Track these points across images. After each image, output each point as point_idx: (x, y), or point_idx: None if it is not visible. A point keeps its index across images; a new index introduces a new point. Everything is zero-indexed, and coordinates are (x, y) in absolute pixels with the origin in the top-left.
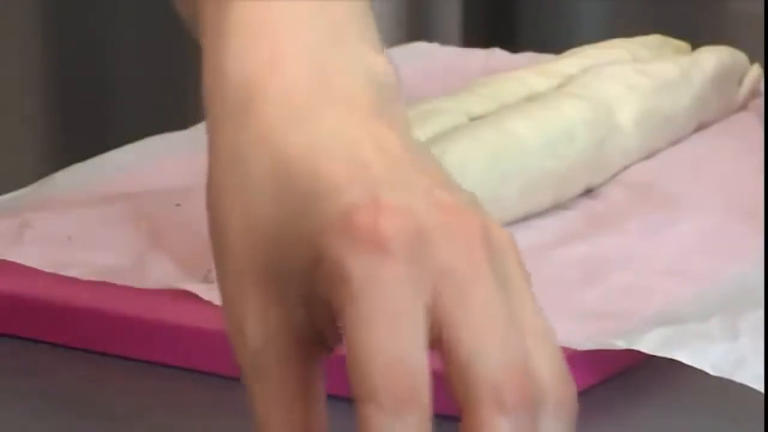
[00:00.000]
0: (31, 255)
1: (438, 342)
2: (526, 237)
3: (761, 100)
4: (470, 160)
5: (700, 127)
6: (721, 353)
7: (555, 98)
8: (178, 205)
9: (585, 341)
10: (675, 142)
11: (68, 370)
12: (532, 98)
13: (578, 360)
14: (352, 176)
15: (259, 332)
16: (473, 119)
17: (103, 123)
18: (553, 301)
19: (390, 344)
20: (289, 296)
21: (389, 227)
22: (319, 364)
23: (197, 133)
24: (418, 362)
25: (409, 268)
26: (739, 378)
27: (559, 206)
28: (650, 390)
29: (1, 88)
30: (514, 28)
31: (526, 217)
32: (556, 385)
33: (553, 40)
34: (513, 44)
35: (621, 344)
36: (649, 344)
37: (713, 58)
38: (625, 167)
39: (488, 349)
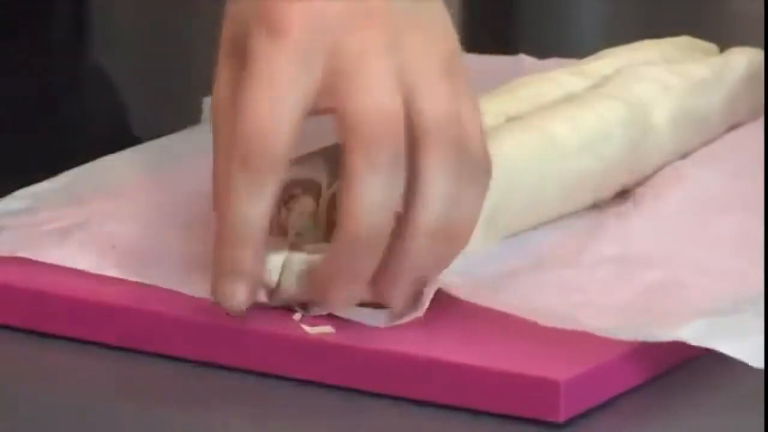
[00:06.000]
0: (74, 257)
1: (329, 109)
2: (556, 237)
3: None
4: (510, 160)
5: (732, 128)
6: (758, 344)
7: (591, 99)
8: None
9: (625, 331)
10: (707, 142)
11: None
12: (568, 99)
13: (622, 361)
14: None
15: (224, 90)
16: (510, 120)
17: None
18: (586, 299)
19: (258, 109)
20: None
21: (294, 19)
22: None
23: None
24: (280, 128)
25: (302, 51)
26: (754, 362)
27: (594, 207)
28: (691, 390)
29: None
30: (512, 32)
31: (562, 217)
32: (438, 129)
33: (553, 44)
34: (512, 48)
35: (663, 335)
36: (690, 335)
37: (744, 58)
38: (660, 167)
39: (363, 104)
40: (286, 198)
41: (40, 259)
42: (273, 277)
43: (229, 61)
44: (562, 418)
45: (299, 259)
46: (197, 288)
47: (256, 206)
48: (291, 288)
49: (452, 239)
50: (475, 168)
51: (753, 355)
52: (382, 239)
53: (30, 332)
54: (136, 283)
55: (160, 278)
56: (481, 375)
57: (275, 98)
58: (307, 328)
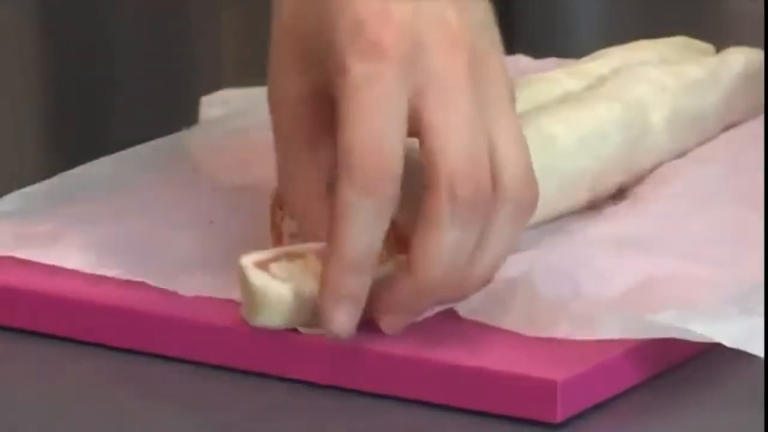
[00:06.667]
0: (68, 257)
1: (417, 133)
2: (552, 233)
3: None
4: None
5: (728, 127)
6: (737, 328)
7: (588, 99)
8: (211, 222)
9: (604, 329)
10: (704, 143)
11: (69, 362)
12: (565, 99)
13: (619, 361)
14: None
15: (291, 92)
16: None
17: (99, 123)
18: (575, 293)
19: (371, 131)
20: (315, 72)
21: (391, 40)
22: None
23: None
24: (393, 148)
25: (400, 71)
26: (751, 349)
27: (591, 207)
28: (688, 390)
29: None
30: (509, 32)
31: (559, 217)
32: (516, 186)
33: (550, 44)
34: (509, 49)
35: (637, 323)
36: (662, 318)
37: (741, 58)
38: (657, 166)
39: (453, 145)
40: (282, 201)
41: (36, 259)
42: None
43: (295, 61)
44: (559, 418)
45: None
46: (195, 288)
47: (377, 232)
48: None
49: (479, 283)
50: (523, 213)
51: (724, 335)
52: (448, 284)
53: (30, 332)
54: (135, 283)
55: (158, 278)
56: (479, 375)
57: (386, 121)
58: (304, 329)
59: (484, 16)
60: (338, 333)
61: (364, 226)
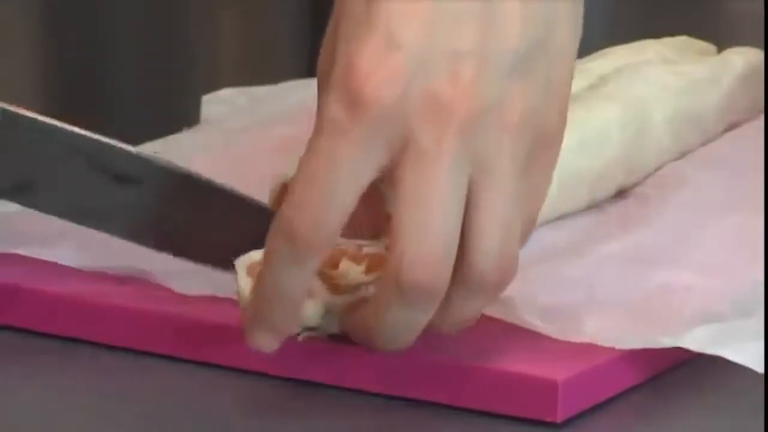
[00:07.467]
0: (69, 256)
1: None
2: (558, 235)
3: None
4: None
5: (730, 127)
6: (761, 349)
7: (590, 98)
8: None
9: (629, 339)
10: (705, 142)
11: (70, 362)
12: None
13: (619, 361)
14: (384, 24)
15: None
16: None
17: (99, 123)
18: (590, 298)
19: (316, 190)
20: None
21: (374, 90)
22: None
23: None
24: (334, 213)
25: (374, 130)
26: None
27: (593, 207)
28: (688, 391)
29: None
30: None
31: (561, 217)
32: (484, 270)
33: None
34: None
35: (666, 342)
36: (694, 342)
37: (742, 59)
38: (658, 167)
39: (413, 222)
40: (283, 200)
41: (38, 256)
42: (310, 324)
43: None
44: (559, 418)
45: (340, 303)
46: (196, 287)
47: (297, 277)
48: (332, 329)
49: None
50: (487, 295)
51: (756, 359)
52: (395, 349)
53: (30, 332)
54: (135, 282)
55: (159, 278)
56: (479, 375)
57: (334, 182)
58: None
59: (535, 37)
60: (259, 350)
61: (286, 274)
